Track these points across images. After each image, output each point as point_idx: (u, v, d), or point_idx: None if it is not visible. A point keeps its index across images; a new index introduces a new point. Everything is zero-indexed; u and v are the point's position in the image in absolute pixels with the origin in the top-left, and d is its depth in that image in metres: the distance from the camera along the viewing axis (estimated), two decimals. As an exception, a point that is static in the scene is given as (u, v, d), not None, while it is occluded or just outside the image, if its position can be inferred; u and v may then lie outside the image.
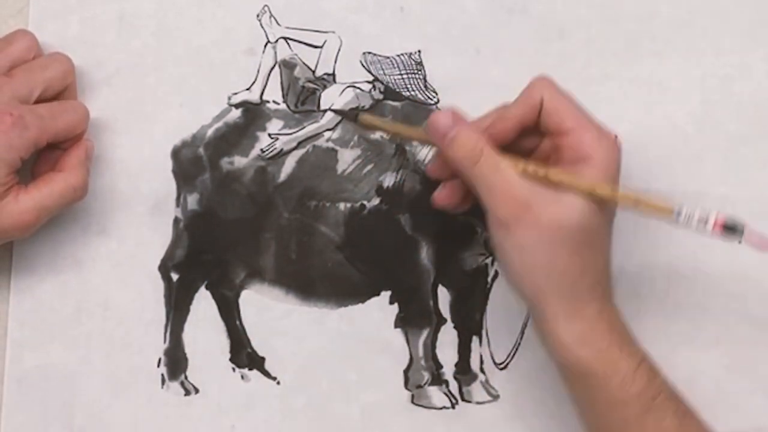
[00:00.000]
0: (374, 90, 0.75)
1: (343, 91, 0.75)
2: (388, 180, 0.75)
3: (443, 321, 0.75)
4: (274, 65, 0.75)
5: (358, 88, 0.75)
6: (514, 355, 0.75)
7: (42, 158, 0.71)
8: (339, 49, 0.74)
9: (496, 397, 0.75)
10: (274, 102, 0.75)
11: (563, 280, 0.63)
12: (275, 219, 0.75)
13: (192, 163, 0.75)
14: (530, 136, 0.67)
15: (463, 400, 0.75)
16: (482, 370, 0.75)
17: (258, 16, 0.75)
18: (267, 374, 0.75)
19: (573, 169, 0.64)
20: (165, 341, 0.75)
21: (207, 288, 0.75)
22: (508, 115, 0.66)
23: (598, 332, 0.64)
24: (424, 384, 0.75)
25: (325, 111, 0.75)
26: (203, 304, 0.75)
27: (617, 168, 0.65)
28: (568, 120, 0.64)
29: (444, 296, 0.75)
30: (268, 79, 0.75)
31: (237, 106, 0.75)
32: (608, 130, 0.65)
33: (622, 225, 0.74)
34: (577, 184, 0.63)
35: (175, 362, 0.75)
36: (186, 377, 0.75)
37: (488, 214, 0.64)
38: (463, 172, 0.65)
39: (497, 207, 0.63)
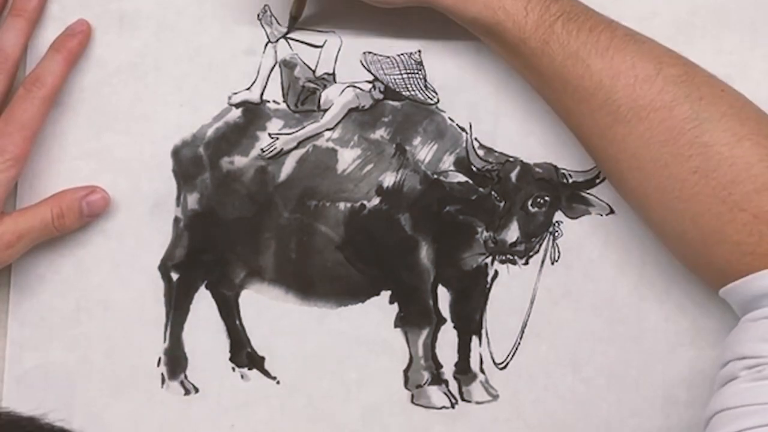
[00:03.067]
0: (374, 90, 0.75)
1: (343, 90, 0.75)
2: (388, 180, 0.75)
3: (443, 321, 0.75)
4: (275, 65, 0.75)
5: (358, 87, 0.75)
6: (514, 355, 0.75)
7: None
8: (339, 49, 0.74)
9: (495, 397, 0.75)
10: (274, 102, 0.75)
11: None
12: (275, 219, 0.75)
13: (192, 162, 0.75)
14: None
15: (462, 399, 0.75)
16: (482, 370, 0.75)
17: (258, 15, 0.75)
18: (267, 374, 0.75)
19: None
20: (165, 341, 0.75)
21: (207, 288, 0.75)
22: None
23: None
24: (424, 384, 0.75)
25: (325, 111, 0.75)
26: (203, 304, 0.75)
27: None
28: None
29: (444, 296, 0.75)
30: (268, 78, 0.75)
31: (237, 105, 0.75)
32: None
33: (622, 224, 0.74)
34: None
35: (175, 362, 0.75)
36: (186, 377, 0.75)
37: None
38: None
39: None
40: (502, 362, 0.75)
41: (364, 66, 0.75)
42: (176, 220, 0.75)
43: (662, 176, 0.63)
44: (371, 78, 0.75)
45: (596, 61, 0.64)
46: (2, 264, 0.72)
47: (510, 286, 0.75)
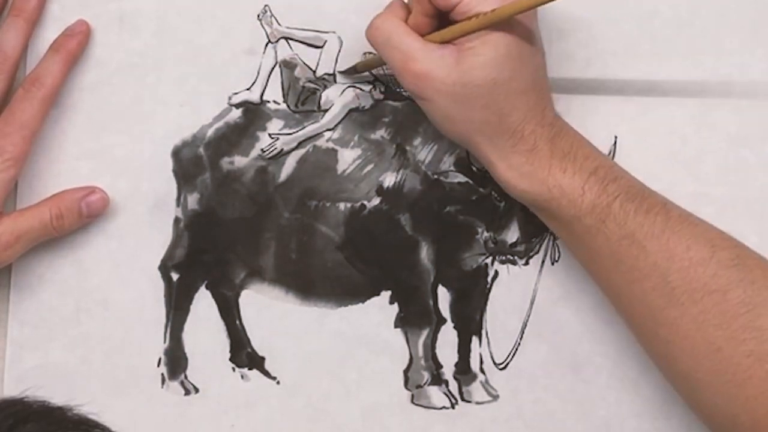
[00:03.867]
0: (374, 90, 0.75)
1: (344, 91, 0.75)
2: (389, 180, 0.75)
3: (443, 321, 0.75)
4: (275, 65, 0.75)
5: (359, 88, 0.75)
6: (514, 355, 0.75)
7: None
8: (339, 50, 0.74)
9: (495, 397, 0.75)
10: (274, 102, 0.75)
11: (486, 129, 0.66)
12: (275, 219, 0.75)
13: (192, 162, 0.75)
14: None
15: (463, 400, 0.75)
16: (482, 370, 0.75)
17: (258, 16, 0.75)
18: (267, 374, 0.75)
19: None
20: (165, 341, 0.75)
21: (207, 288, 0.75)
22: (414, 13, 0.67)
23: (536, 163, 0.66)
24: (424, 384, 0.75)
25: (325, 111, 0.75)
26: (203, 304, 0.75)
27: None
28: None
29: (444, 296, 0.75)
30: (268, 79, 0.75)
31: (237, 106, 0.75)
32: None
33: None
34: (476, 23, 0.64)
35: (175, 362, 0.75)
36: (186, 377, 0.75)
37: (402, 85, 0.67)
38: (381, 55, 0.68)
39: (404, 83, 0.66)
40: (503, 362, 0.75)
41: (364, 66, 0.75)
42: (176, 220, 0.75)
43: (715, 360, 0.63)
44: (371, 78, 0.75)
45: (652, 243, 0.64)
46: (1, 264, 0.72)
47: (510, 287, 0.75)
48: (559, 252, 0.74)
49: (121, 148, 0.75)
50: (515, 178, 0.66)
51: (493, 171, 0.68)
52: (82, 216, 0.73)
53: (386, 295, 0.75)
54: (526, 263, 0.75)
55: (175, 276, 0.75)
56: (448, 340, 0.75)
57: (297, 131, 0.75)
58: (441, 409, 0.75)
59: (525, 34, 0.66)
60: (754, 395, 0.62)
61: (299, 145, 0.75)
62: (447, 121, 0.67)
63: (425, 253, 0.75)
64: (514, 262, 0.75)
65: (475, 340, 0.75)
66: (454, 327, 0.75)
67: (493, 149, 0.66)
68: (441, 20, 0.67)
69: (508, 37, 0.65)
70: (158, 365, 0.75)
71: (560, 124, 0.68)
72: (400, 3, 0.69)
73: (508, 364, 0.75)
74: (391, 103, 0.75)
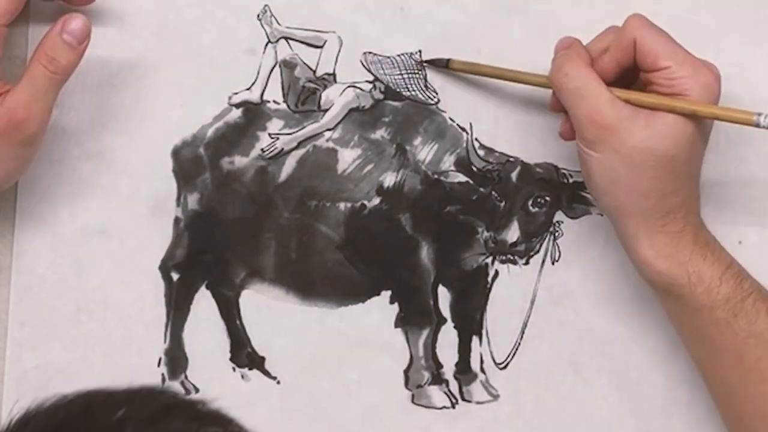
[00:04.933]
0: (374, 90, 0.75)
1: (344, 90, 0.75)
2: (389, 180, 0.75)
3: (443, 321, 0.75)
4: (275, 65, 0.75)
5: (359, 88, 0.75)
6: (514, 355, 0.75)
7: None
8: (339, 49, 0.74)
9: (496, 397, 0.75)
10: (274, 102, 0.75)
11: (645, 202, 0.65)
12: (275, 219, 0.75)
13: (192, 162, 0.75)
14: (628, 75, 0.68)
15: (463, 399, 0.75)
16: (482, 370, 0.75)
17: (258, 15, 0.75)
18: (267, 374, 0.75)
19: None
20: (165, 341, 0.75)
21: (207, 288, 0.75)
22: (606, 59, 0.67)
23: (680, 246, 0.65)
24: (425, 384, 0.75)
25: (325, 111, 0.75)
26: (203, 304, 0.75)
27: (716, 100, 0.65)
28: (662, 58, 0.65)
29: (444, 296, 0.75)
30: (268, 79, 0.75)
31: (237, 105, 0.75)
32: (707, 64, 0.66)
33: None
34: (673, 105, 0.64)
35: (175, 362, 0.75)
36: (186, 377, 0.75)
37: (577, 133, 0.66)
38: (561, 98, 0.67)
39: (584, 132, 0.65)
40: (503, 362, 0.75)
41: (364, 66, 0.75)
42: (176, 220, 0.75)
43: None
44: (371, 78, 0.75)
45: None
46: (38, 138, 0.68)
47: (510, 286, 0.75)
48: (559, 252, 0.75)
49: (121, 148, 0.75)
50: (655, 258, 0.66)
51: (634, 246, 0.66)
52: (72, 46, 0.68)
53: (386, 295, 0.75)
54: (526, 263, 0.75)
55: (175, 276, 0.75)
56: (448, 339, 0.75)
57: (297, 131, 0.75)
58: (441, 408, 0.75)
59: (707, 126, 0.66)
60: None
61: (299, 145, 0.75)
62: (609, 182, 0.65)
63: (425, 253, 0.75)
64: (514, 262, 0.75)
65: (475, 339, 0.75)
66: (455, 327, 0.75)
67: (643, 225, 0.65)
68: (627, 71, 0.67)
69: (697, 121, 0.65)
70: (158, 365, 0.75)
71: (701, 220, 0.68)
72: (581, 46, 0.68)
73: (508, 363, 0.75)
74: (391, 103, 0.75)
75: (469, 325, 0.75)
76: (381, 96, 0.75)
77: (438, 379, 0.75)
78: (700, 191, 0.68)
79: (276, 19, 0.75)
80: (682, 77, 0.65)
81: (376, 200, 0.75)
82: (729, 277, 0.65)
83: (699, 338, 0.67)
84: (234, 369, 0.75)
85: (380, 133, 0.75)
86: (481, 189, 0.74)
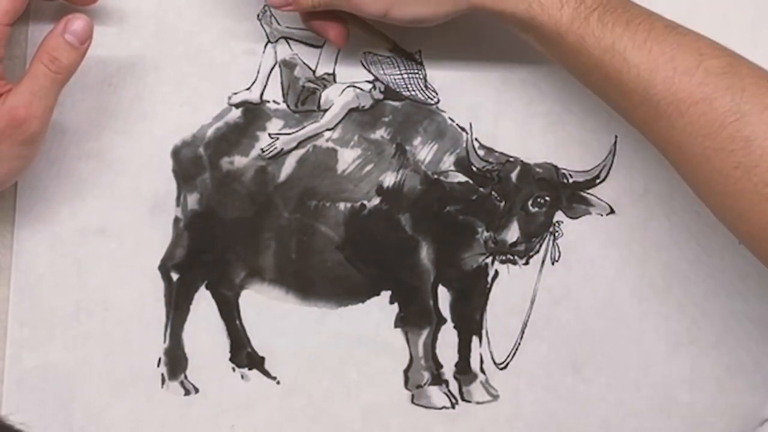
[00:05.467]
0: (374, 90, 0.75)
1: (344, 90, 0.75)
2: (388, 180, 0.75)
3: (443, 321, 0.75)
4: (275, 65, 0.75)
5: (359, 87, 0.75)
6: (514, 355, 0.75)
7: None
8: (339, 49, 0.74)
9: (496, 397, 0.75)
10: (274, 102, 0.75)
11: None
12: (275, 219, 0.75)
13: (192, 162, 0.75)
14: None
15: (463, 400, 0.75)
16: (482, 370, 0.75)
17: (258, 16, 0.75)
18: (267, 374, 0.75)
19: None
20: (165, 341, 0.75)
21: (207, 288, 0.75)
22: None
23: None
24: (424, 384, 0.75)
25: (325, 111, 0.75)
26: (203, 304, 0.75)
27: None
28: None
29: (444, 296, 0.75)
30: (268, 78, 0.75)
31: (237, 105, 0.75)
32: None
33: (622, 224, 0.74)
34: None
35: (175, 362, 0.75)
36: (186, 377, 0.75)
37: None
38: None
39: (367, 10, 0.66)
40: (503, 362, 0.75)
41: (364, 66, 0.75)
42: (176, 220, 0.75)
43: (706, 171, 0.61)
44: (371, 78, 0.75)
45: (634, 54, 0.62)
46: (39, 138, 0.68)
47: (510, 286, 0.75)
48: (559, 252, 0.75)
49: (121, 148, 0.75)
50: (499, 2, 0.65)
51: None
52: (74, 47, 0.68)
53: (386, 295, 0.75)
54: (526, 263, 0.75)
55: (175, 276, 0.75)
56: (448, 340, 0.75)
57: (297, 131, 0.75)
58: (441, 409, 0.75)
59: None
60: (746, 208, 0.60)
61: (299, 144, 0.75)
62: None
63: (425, 253, 0.75)
64: (514, 262, 0.75)
65: (475, 340, 0.75)
66: (454, 327, 0.75)
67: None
68: None
69: None
70: (158, 365, 0.75)
71: None
72: None
73: (508, 364, 0.75)
74: (391, 103, 0.75)
75: (469, 325, 0.75)
76: (381, 96, 0.75)
77: (438, 379, 0.75)
78: None
79: (276, 19, 0.75)
80: None
81: (376, 200, 0.75)
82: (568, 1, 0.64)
83: (570, 65, 0.66)
84: (234, 369, 0.75)
85: (380, 133, 0.75)
86: (481, 189, 0.74)
